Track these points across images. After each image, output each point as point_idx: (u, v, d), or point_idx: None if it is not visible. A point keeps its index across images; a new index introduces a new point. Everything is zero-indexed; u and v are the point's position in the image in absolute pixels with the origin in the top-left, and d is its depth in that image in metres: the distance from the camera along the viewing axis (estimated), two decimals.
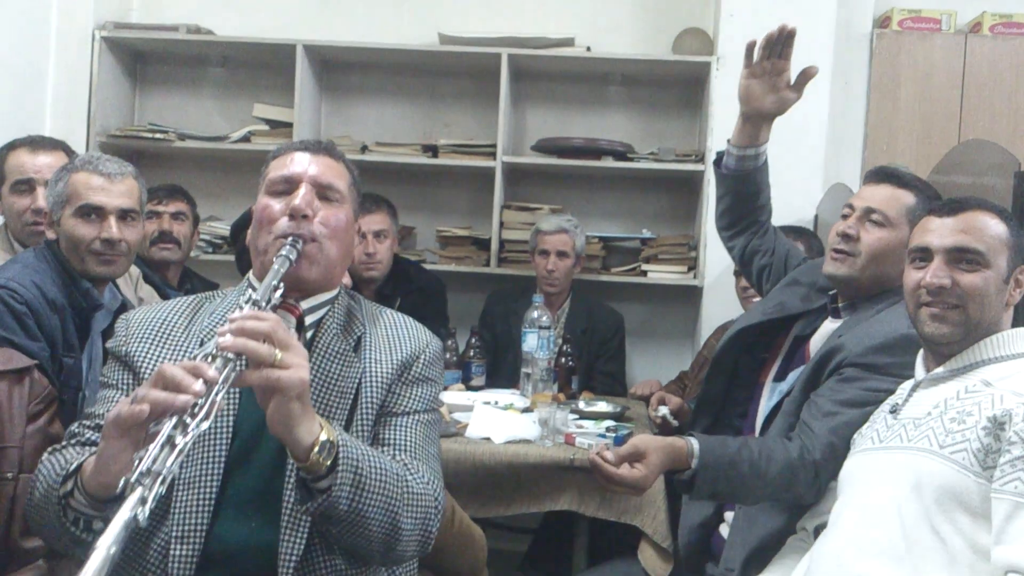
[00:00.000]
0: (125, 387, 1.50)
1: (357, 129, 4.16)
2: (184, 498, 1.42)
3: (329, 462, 1.30)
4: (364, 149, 4.00)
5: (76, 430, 1.47)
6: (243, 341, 1.23)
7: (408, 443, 1.52)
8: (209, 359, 1.23)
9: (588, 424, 2.74)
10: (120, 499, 1.07)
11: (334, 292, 1.63)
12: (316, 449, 1.29)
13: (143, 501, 1.06)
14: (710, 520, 2.21)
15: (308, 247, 1.54)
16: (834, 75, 3.72)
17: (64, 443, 1.46)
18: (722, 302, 3.58)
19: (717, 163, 2.45)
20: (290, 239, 1.52)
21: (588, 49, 3.95)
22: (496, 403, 2.88)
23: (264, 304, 1.37)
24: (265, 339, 1.25)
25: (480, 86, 4.05)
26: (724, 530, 2.16)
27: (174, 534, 1.41)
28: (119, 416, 1.20)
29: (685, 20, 4.03)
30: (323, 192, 1.59)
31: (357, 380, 1.53)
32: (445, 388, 3.06)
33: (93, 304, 2.18)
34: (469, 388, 3.20)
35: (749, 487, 1.89)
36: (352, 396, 1.52)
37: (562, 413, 2.63)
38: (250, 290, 1.40)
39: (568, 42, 3.94)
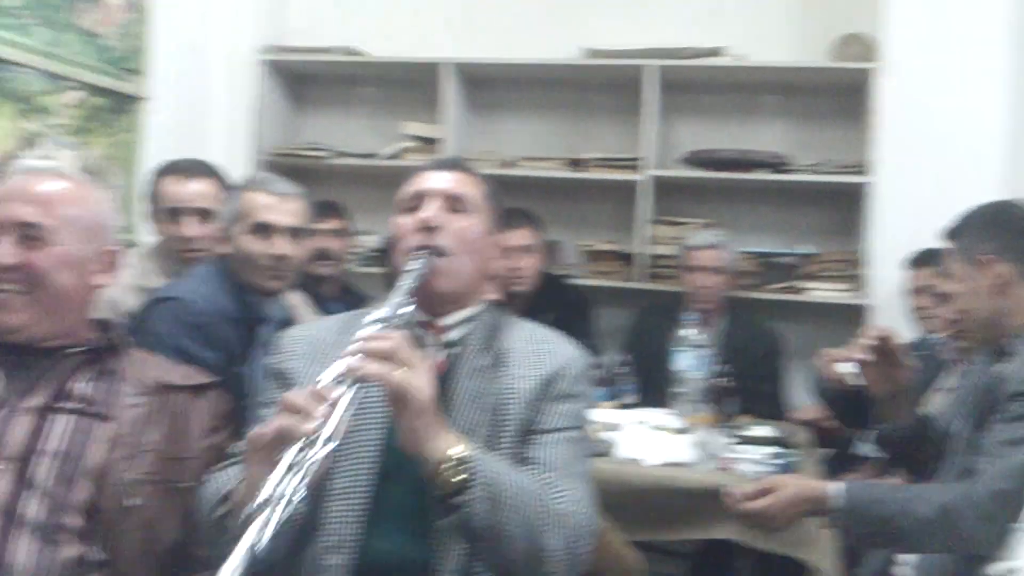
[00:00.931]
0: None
1: (502, 144, 4.18)
2: (337, 508, 1.44)
3: (461, 478, 1.28)
4: (509, 164, 4.01)
5: (235, 450, 1.50)
6: (366, 363, 1.24)
7: (554, 462, 1.48)
8: (335, 382, 1.24)
9: (748, 449, 2.63)
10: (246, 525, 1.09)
11: (476, 308, 1.61)
12: (446, 465, 1.28)
13: (264, 527, 1.07)
14: (884, 565, 2.08)
15: (438, 260, 1.53)
16: (1011, 80, 3.48)
17: (225, 463, 1.50)
18: (892, 322, 3.39)
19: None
20: (418, 253, 1.52)
21: (741, 58, 3.85)
22: (648, 423, 2.82)
23: (392, 322, 1.38)
24: (390, 358, 1.26)
25: (626, 98, 4.00)
26: (899, 571, 2.03)
27: (328, 544, 1.42)
28: (250, 441, 1.23)
29: (845, 25, 3.86)
30: (452, 204, 1.58)
31: (497, 398, 1.51)
32: (593, 405, 3.01)
33: (260, 317, 2.26)
34: (620, 406, 3.14)
35: (903, 530, 1.76)
36: (492, 413, 1.50)
37: (720, 437, 2.53)
38: (379, 308, 1.40)
39: (719, 51, 3.85)
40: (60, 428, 1.50)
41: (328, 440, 1.18)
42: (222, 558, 1.07)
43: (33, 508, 1.42)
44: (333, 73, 4.29)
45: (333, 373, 1.27)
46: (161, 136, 3.51)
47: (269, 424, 1.22)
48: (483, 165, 3.81)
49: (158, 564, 1.50)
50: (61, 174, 1.65)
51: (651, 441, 2.59)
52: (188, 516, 1.53)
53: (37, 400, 1.52)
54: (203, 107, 3.88)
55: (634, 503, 2.39)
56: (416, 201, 1.59)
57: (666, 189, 4.03)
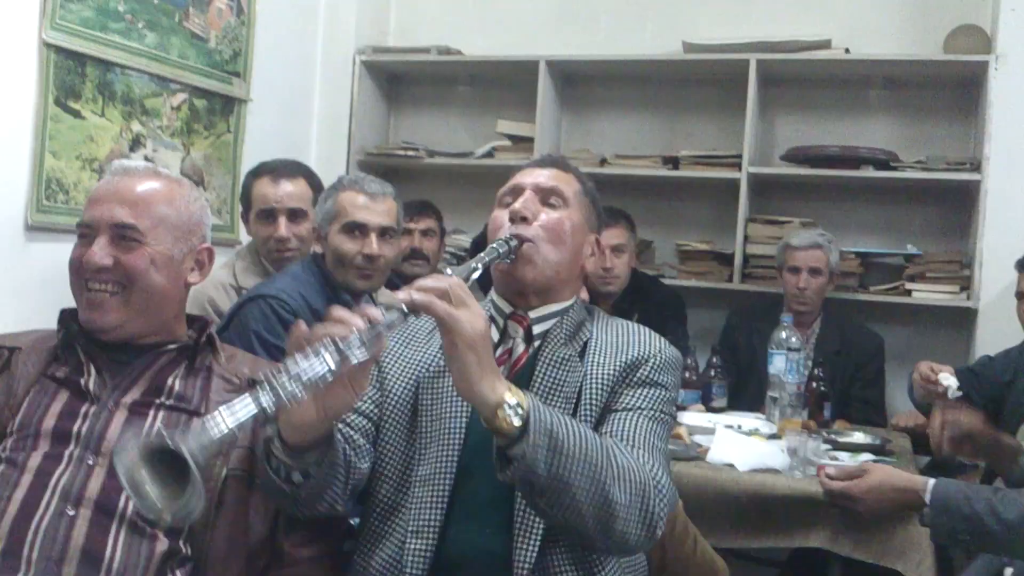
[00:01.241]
0: (372, 384, 1.55)
1: (597, 142, 4.15)
2: (419, 494, 1.46)
3: (519, 423, 1.26)
4: (603, 162, 3.97)
5: None
6: (418, 293, 1.26)
7: (629, 434, 1.45)
8: (385, 308, 1.26)
9: (843, 456, 2.54)
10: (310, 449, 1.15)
11: (566, 303, 1.61)
12: (503, 409, 1.26)
13: (273, 391, 1.14)
14: None
15: (524, 247, 1.54)
16: None
17: None
18: (1001, 326, 3.23)
19: None
20: (505, 236, 1.54)
21: (847, 51, 3.73)
22: (739, 427, 2.76)
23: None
24: (443, 296, 1.27)
25: (725, 94, 3.92)
26: None
27: (409, 529, 1.44)
28: (288, 344, 1.26)
29: (957, 17, 3.70)
30: (546, 197, 1.60)
31: (578, 386, 1.50)
32: (684, 408, 2.97)
33: None
34: (710, 410, 3.08)
35: (990, 531, 1.73)
36: (573, 402, 1.49)
37: (814, 443, 2.46)
38: (448, 271, 1.40)
39: (824, 44, 3.73)
40: (154, 424, 1.55)
41: (363, 345, 1.20)
42: (275, 501, 1.11)
43: (128, 504, 1.46)
44: (429, 73, 4.33)
45: (388, 300, 1.29)
46: (261, 137, 3.60)
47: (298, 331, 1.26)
48: (577, 163, 3.77)
49: (246, 559, 1.53)
50: (155, 174, 1.70)
51: (742, 446, 2.52)
52: (276, 512, 1.56)
53: (131, 396, 1.58)
54: (302, 108, 3.97)
55: (723, 509, 2.34)
56: (513, 196, 1.61)
57: (764, 187, 3.94)
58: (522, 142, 4.04)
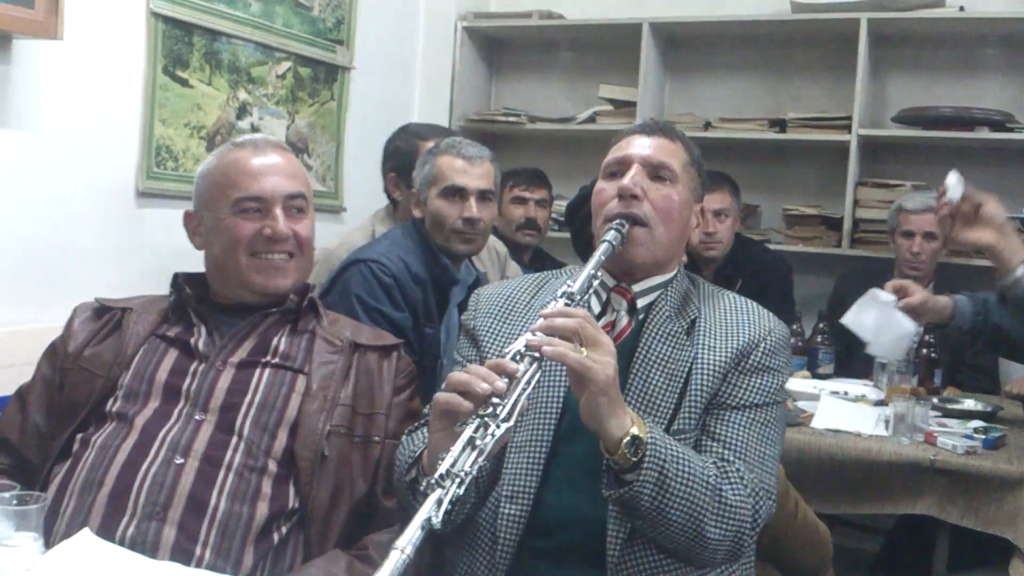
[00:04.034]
0: (469, 363, 1.54)
1: (701, 106, 4.06)
2: (515, 460, 1.46)
3: (636, 458, 1.29)
4: (707, 126, 3.90)
5: (428, 411, 1.54)
6: (548, 340, 1.26)
7: (737, 442, 1.44)
8: (517, 357, 1.27)
9: (953, 423, 2.47)
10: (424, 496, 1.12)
11: (670, 274, 1.59)
12: (625, 442, 1.29)
13: (439, 503, 1.09)
14: None
15: (636, 230, 1.52)
16: None
17: (418, 423, 1.56)
18: None
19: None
20: (616, 222, 1.51)
21: (961, 9, 3.55)
22: (846, 394, 2.70)
23: (580, 297, 1.38)
24: (572, 337, 1.27)
25: (834, 55, 3.79)
26: None
27: (504, 494, 1.45)
28: (435, 403, 1.28)
29: None
30: (655, 172, 1.56)
31: (688, 365, 1.48)
32: (790, 377, 2.91)
33: (451, 279, 2.33)
34: (816, 376, 3.01)
35: None
36: (682, 381, 1.47)
37: (922, 409, 2.38)
38: (568, 283, 1.40)
39: (938, 2, 3.57)
40: (260, 381, 1.60)
41: (505, 419, 1.20)
42: (406, 521, 1.13)
43: (234, 455, 1.51)
44: (530, 37, 4.31)
45: (515, 348, 1.29)
46: (364, 104, 3.64)
47: (444, 391, 1.27)
48: (680, 127, 3.69)
49: (348, 514, 1.56)
50: (282, 146, 1.79)
51: (849, 413, 2.47)
52: (376, 469, 1.60)
53: (239, 356, 1.63)
54: (404, 75, 4.00)
55: (829, 476, 2.30)
56: (619, 167, 1.58)
57: (874, 150, 3.80)
58: (624, 106, 3.98)
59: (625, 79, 4.02)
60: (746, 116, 3.89)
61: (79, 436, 1.56)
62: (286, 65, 3.29)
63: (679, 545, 1.37)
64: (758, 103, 3.99)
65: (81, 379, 1.62)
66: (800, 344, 3.09)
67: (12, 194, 2.42)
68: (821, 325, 3.14)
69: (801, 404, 2.59)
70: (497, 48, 4.42)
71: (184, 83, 2.89)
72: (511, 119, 4.14)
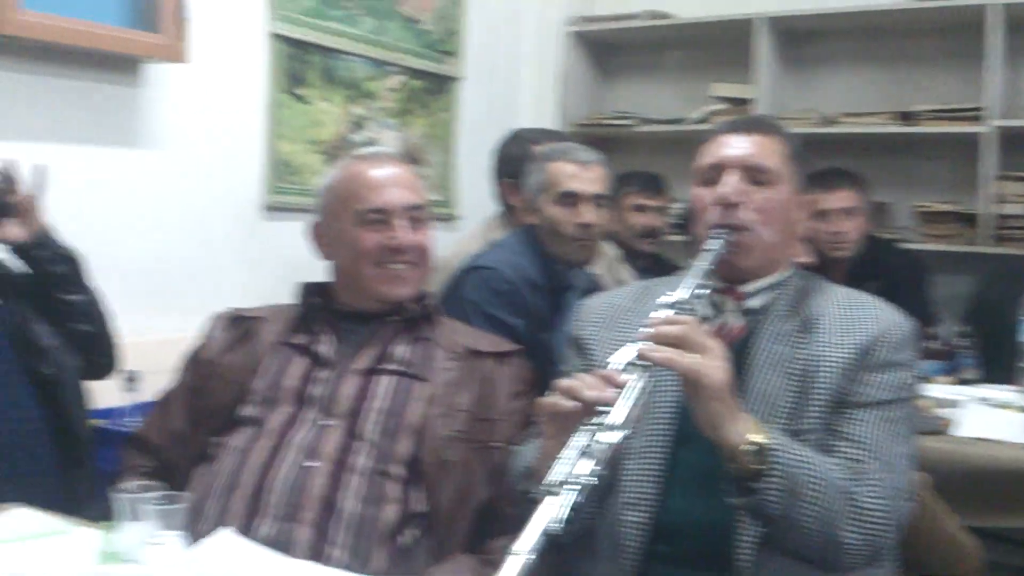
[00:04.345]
0: (576, 372, 1.52)
1: (821, 100, 3.92)
2: (634, 467, 1.43)
3: (761, 466, 1.25)
4: (829, 121, 3.76)
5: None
6: (655, 348, 1.24)
7: (868, 441, 1.37)
8: (625, 367, 1.24)
9: None
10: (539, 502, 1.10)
11: (782, 273, 1.53)
12: (744, 450, 1.25)
13: (557, 510, 1.07)
14: None
15: (740, 236, 1.47)
16: None
17: (533, 430, 1.53)
18: None
19: None
20: (718, 231, 1.46)
21: None
22: (990, 400, 2.56)
23: (686, 304, 1.35)
24: (681, 344, 1.24)
25: (965, 42, 3.59)
26: None
27: (626, 501, 1.42)
28: (542, 409, 1.26)
29: None
30: (753, 175, 1.49)
31: (807, 364, 1.42)
32: (929, 380, 2.77)
33: (566, 285, 2.31)
34: (959, 382, 2.86)
35: None
36: (801, 381, 1.41)
37: None
38: (673, 291, 1.37)
39: None
40: (383, 388, 1.63)
41: (619, 428, 1.17)
42: (524, 527, 1.12)
43: (362, 459, 1.54)
44: (638, 39, 4.25)
45: (624, 357, 1.26)
46: (474, 113, 3.66)
47: (551, 398, 1.25)
48: (800, 124, 3.61)
49: (473, 518, 1.57)
50: (401, 158, 1.83)
51: (995, 420, 2.33)
52: (497, 475, 1.59)
53: (362, 363, 1.66)
54: (512, 83, 4.01)
55: (974, 486, 2.16)
56: (714, 172, 1.52)
57: (1015, 141, 3.59)
58: (739, 104, 3.88)
59: (738, 76, 3.92)
60: (871, 109, 3.74)
61: (217, 440, 1.61)
62: (399, 78, 3.34)
63: (814, 552, 1.32)
64: (883, 96, 3.82)
65: (218, 385, 1.68)
66: (941, 348, 2.93)
67: (148, 211, 2.53)
68: (963, 327, 2.98)
69: (943, 411, 2.45)
70: (605, 51, 4.38)
71: (303, 100, 2.96)
72: (622, 122, 4.10)
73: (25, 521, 1.45)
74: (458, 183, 3.62)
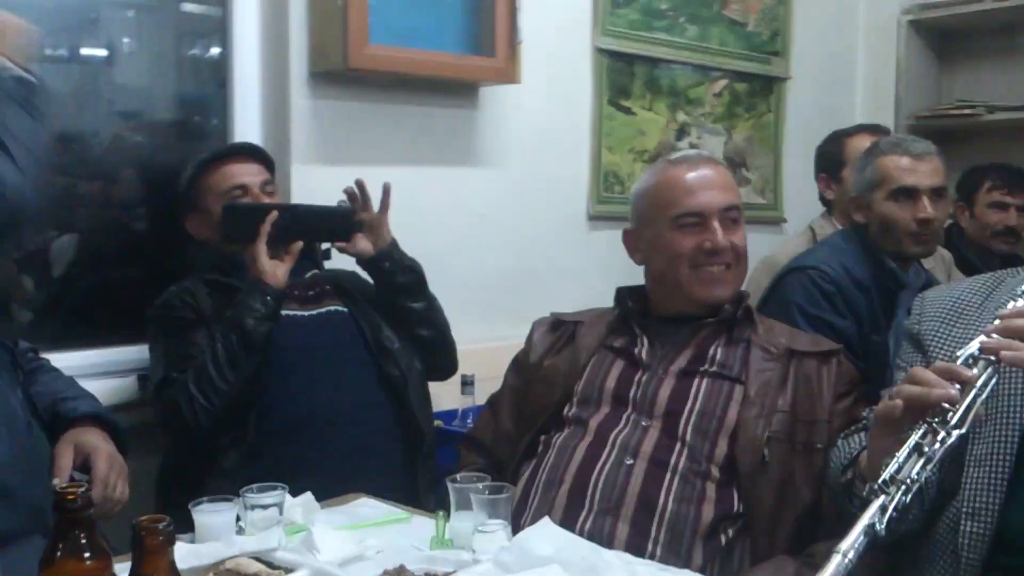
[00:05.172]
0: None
1: None
2: (975, 475, 1.33)
3: None
4: None
5: (865, 416, 1.48)
6: (1007, 344, 1.14)
7: None
8: (970, 361, 1.16)
9: None
10: (865, 504, 1.06)
11: None
12: None
13: (883, 510, 1.04)
14: None
15: None
16: None
17: (854, 428, 1.50)
18: None
19: None
20: None
21: None
22: None
23: None
24: None
25: None
26: None
27: (964, 510, 1.33)
28: (877, 414, 1.21)
29: None
30: None
31: None
32: None
33: (898, 283, 2.20)
34: None
35: None
36: None
37: None
38: None
39: None
40: (700, 389, 1.64)
41: (957, 427, 1.12)
42: (845, 526, 1.08)
43: (679, 459, 1.57)
44: (983, 23, 3.87)
45: (969, 351, 1.19)
46: (802, 113, 3.55)
47: (894, 398, 1.19)
48: None
49: (794, 521, 1.54)
50: (714, 159, 1.85)
51: None
52: (821, 477, 1.55)
53: (678, 365, 1.69)
54: (843, 79, 3.84)
55: None
56: None
57: None
58: None
59: None
60: None
61: (541, 438, 1.71)
62: (722, 83, 3.32)
63: None
64: None
65: (542, 387, 1.78)
66: None
67: (483, 226, 2.72)
68: None
69: None
70: (946, 38, 4.05)
71: (627, 111, 3.04)
72: (966, 112, 3.77)
73: (370, 510, 1.62)
74: (785, 186, 3.53)
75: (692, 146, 3.18)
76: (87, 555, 0.83)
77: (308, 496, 1.53)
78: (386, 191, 2.09)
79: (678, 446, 1.58)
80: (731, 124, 3.35)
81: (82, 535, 0.83)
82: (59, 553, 0.83)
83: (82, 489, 0.83)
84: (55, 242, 2.28)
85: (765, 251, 2.68)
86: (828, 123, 3.31)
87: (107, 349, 2.23)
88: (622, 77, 3.02)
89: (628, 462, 1.57)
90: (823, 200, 2.74)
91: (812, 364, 1.66)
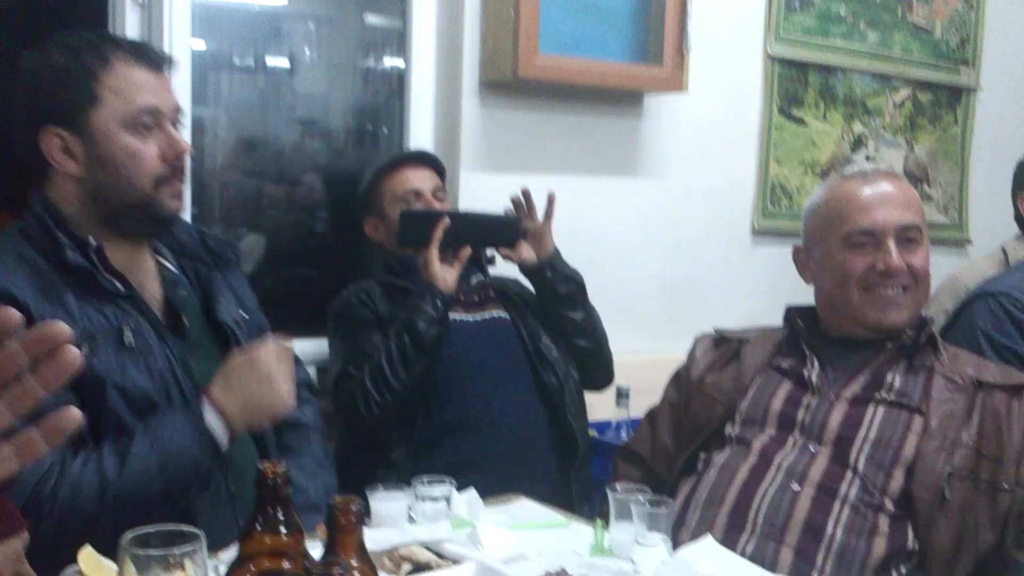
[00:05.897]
0: None
1: None
2: None
3: None
4: None
5: None
6: None
7: None
8: None
9: None
10: None
11: None
12: None
13: None
14: None
15: None
16: None
17: None
18: None
19: None
20: None
21: None
22: None
23: None
24: None
25: None
26: None
27: None
28: None
29: None
30: None
31: None
32: None
33: None
34: None
35: None
36: None
37: None
38: None
39: None
40: (875, 417, 1.56)
41: None
42: None
43: (849, 488, 1.49)
44: None
45: None
46: (994, 126, 3.33)
47: None
48: None
49: (973, 564, 1.46)
50: (894, 174, 1.75)
51: None
52: (1006, 519, 1.46)
53: (852, 390, 1.61)
54: None
55: None
56: None
57: None
58: None
59: None
60: None
61: (702, 455, 1.67)
62: (904, 92, 3.16)
63: None
64: None
65: (703, 403, 1.73)
66: None
67: (645, 237, 2.69)
68: None
69: None
70: None
71: (799, 121, 2.93)
72: None
73: (530, 512, 1.62)
74: (970, 204, 3.32)
75: (868, 159, 3.05)
76: (283, 530, 0.88)
77: (473, 492, 1.55)
78: (550, 200, 2.11)
79: (849, 475, 1.50)
80: (913, 136, 3.18)
81: (279, 511, 0.88)
82: (258, 527, 0.88)
83: (281, 468, 0.88)
84: (243, 240, 2.41)
85: (946, 276, 2.53)
86: (1020, 136, 3.11)
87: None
88: (794, 85, 2.92)
89: (795, 487, 1.51)
90: (1019, 220, 2.54)
91: (1001, 398, 1.54)
